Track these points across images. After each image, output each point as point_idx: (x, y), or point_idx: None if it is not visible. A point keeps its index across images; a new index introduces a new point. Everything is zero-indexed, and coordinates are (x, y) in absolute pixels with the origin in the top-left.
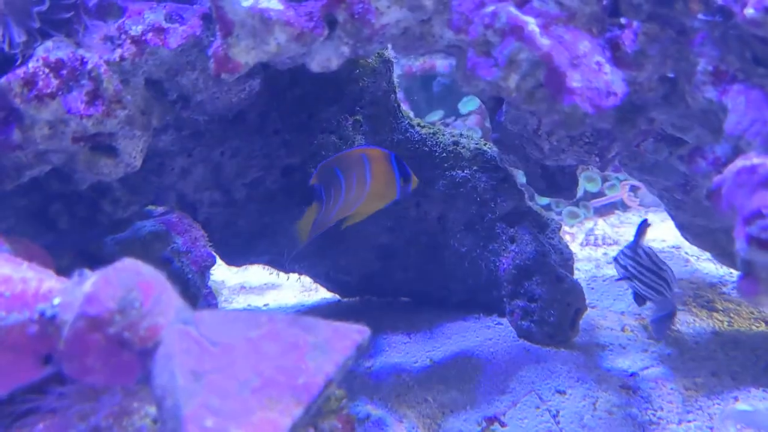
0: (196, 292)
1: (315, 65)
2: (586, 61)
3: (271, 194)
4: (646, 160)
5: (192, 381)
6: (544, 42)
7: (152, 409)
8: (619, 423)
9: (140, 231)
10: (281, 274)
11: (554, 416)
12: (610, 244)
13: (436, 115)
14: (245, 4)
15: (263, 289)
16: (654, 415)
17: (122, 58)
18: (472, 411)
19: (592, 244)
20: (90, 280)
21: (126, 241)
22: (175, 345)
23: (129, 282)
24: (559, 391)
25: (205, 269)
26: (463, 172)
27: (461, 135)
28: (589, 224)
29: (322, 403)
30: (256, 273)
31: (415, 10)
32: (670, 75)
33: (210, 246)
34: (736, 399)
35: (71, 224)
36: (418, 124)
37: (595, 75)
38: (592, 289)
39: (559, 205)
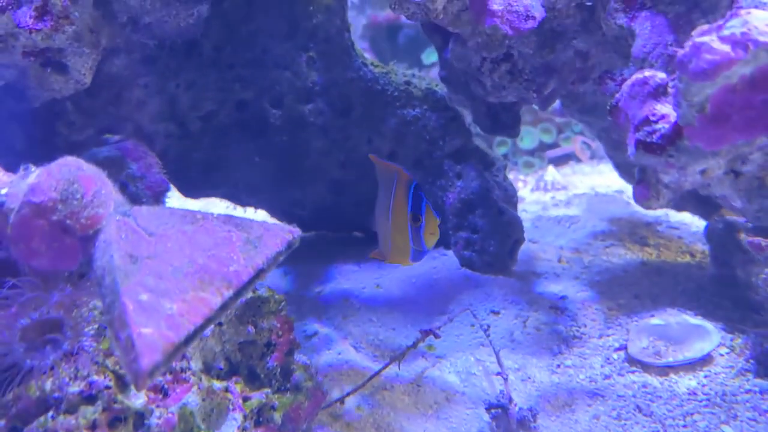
0: None
1: None
2: None
3: (225, 128)
4: (586, 102)
5: (129, 263)
6: None
7: (99, 303)
8: (546, 338)
9: (96, 155)
10: (241, 210)
11: (485, 330)
12: (559, 189)
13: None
14: None
15: None
16: (578, 330)
17: None
18: (413, 329)
19: (542, 189)
20: (34, 173)
21: None
22: (114, 232)
23: (70, 175)
24: (493, 311)
25: (159, 194)
26: (414, 110)
27: (413, 75)
28: (541, 172)
29: (261, 303)
30: (220, 210)
31: None
32: (588, 3)
33: (166, 175)
34: (652, 316)
35: (28, 145)
36: (372, 63)
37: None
38: (537, 227)
39: (516, 155)
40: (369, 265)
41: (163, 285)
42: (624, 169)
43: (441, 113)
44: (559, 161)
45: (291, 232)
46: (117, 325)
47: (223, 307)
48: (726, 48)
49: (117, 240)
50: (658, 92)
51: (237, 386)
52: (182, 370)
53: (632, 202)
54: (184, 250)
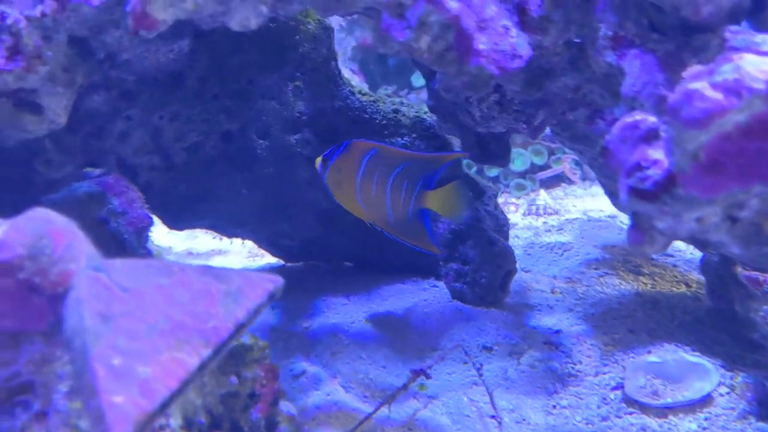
0: (133, 253)
1: (234, 24)
2: (493, 25)
3: (211, 159)
4: (577, 130)
5: (100, 323)
6: (453, 5)
7: None
8: (541, 376)
9: (76, 191)
10: (229, 240)
11: (478, 369)
12: (551, 214)
13: (388, 90)
14: None
15: (210, 255)
16: (573, 368)
17: (43, 14)
18: (404, 366)
19: (534, 213)
20: (0, 228)
21: (61, 201)
22: (85, 290)
23: (39, 229)
24: (486, 347)
25: (141, 230)
26: (402, 139)
27: (401, 103)
28: (533, 195)
29: (245, 351)
30: (204, 239)
31: None
32: (576, 40)
33: (149, 209)
34: (649, 352)
35: (5, 184)
36: (359, 92)
37: (501, 38)
38: (529, 255)
39: (507, 178)
40: (358, 298)
41: (137, 346)
42: (617, 197)
43: (430, 141)
44: (550, 183)
45: (272, 282)
46: (87, 393)
47: (201, 367)
48: (718, 96)
49: (88, 298)
50: (650, 136)
51: None
52: (161, 428)
53: (625, 227)
54: (159, 306)
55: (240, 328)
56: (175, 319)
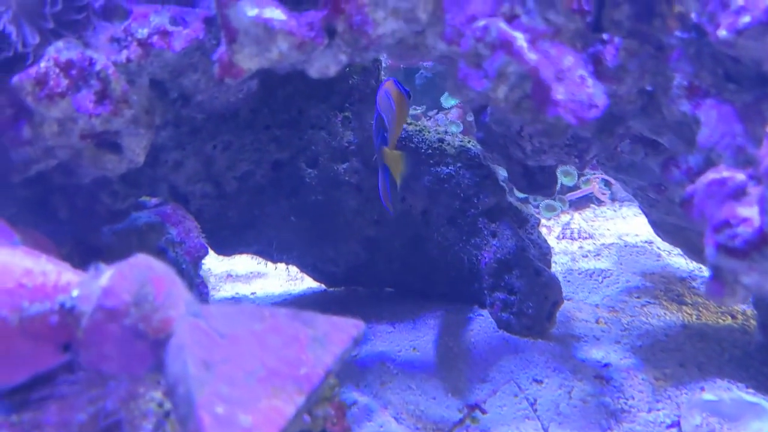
0: (190, 282)
1: (314, 71)
2: (570, 75)
3: (260, 187)
4: (622, 160)
5: (203, 370)
6: (532, 57)
7: (157, 394)
8: (593, 411)
9: (136, 222)
10: (267, 263)
11: (532, 404)
12: (586, 238)
13: (417, 110)
14: (250, 13)
15: (249, 277)
16: (626, 403)
17: (129, 60)
18: (454, 398)
19: (569, 237)
20: (106, 275)
21: (122, 231)
22: (187, 336)
23: (142, 277)
24: (536, 380)
25: (198, 259)
26: (447, 168)
27: (446, 132)
28: (565, 217)
29: (321, 392)
30: (242, 261)
31: (410, 22)
32: (648, 88)
33: (204, 238)
34: (702, 389)
35: (70, 215)
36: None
37: (578, 88)
38: (568, 281)
39: (537, 199)
40: (403, 326)
41: (237, 393)
42: (660, 227)
43: (475, 171)
44: (580, 204)
45: (356, 327)
46: None
47: (297, 414)
48: None
49: (190, 345)
50: (738, 194)
51: None
52: None
53: (663, 254)
54: (254, 353)
55: (329, 374)
56: (270, 365)
